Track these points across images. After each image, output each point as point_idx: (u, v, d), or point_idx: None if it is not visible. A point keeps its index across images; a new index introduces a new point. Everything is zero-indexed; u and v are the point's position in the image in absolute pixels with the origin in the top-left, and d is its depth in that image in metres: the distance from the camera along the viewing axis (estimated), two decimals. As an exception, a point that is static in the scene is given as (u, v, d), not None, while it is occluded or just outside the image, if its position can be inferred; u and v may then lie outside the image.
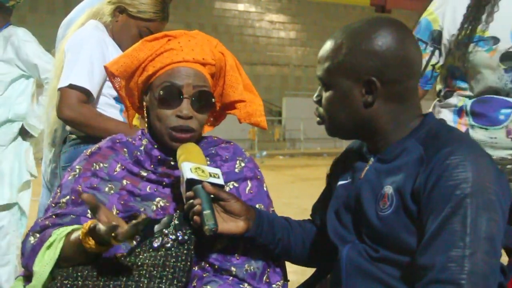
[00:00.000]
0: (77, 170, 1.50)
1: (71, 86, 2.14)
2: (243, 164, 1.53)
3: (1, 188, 3.23)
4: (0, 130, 3.23)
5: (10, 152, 3.25)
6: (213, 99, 1.47)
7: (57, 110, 2.20)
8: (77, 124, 2.21)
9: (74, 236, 1.34)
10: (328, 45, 1.30)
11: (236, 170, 1.51)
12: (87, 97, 2.17)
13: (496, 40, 1.76)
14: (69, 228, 1.38)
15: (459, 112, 1.80)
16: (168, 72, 1.44)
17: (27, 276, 1.43)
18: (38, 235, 1.42)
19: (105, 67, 1.54)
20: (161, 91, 1.42)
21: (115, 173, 1.48)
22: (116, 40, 2.30)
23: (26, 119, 3.24)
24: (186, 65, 1.44)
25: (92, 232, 1.28)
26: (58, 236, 1.37)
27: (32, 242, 1.41)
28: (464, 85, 1.83)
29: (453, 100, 1.83)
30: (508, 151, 1.72)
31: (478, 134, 1.77)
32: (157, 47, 1.46)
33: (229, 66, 1.52)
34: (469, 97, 1.80)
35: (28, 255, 1.40)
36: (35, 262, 1.37)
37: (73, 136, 2.29)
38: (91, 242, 1.29)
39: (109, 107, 2.26)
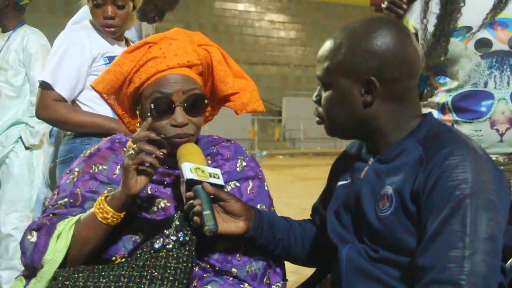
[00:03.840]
0: (76, 173, 1.50)
1: (44, 85, 2.19)
2: (244, 163, 1.52)
3: (8, 195, 3.27)
4: (9, 130, 3.29)
5: (19, 160, 3.30)
6: (205, 101, 1.45)
7: (35, 110, 2.26)
8: (55, 123, 2.26)
9: (85, 215, 1.38)
10: (327, 45, 1.30)
11: (238, 169, 1.50)
12: (63, 95, 2.20)
13: (469, 28, 1.76)
14: (75, 218, 1.40)
15: (442, 109, 1.79)
16: (155, 82, 1.41)
17: (28, 276, 1.43)
18: (35, 233, 1.41)
19: (92, 86, 1.53)
20: (152, 104, 1.39)
21: (115, 176, 1.47)
22: (99, 30, 2.31)
23: (24, 126, 3.30)
24: (172, 71, 1.41)
25: (108, 198, 1.36)
26: (66, 225, 1.38)
27: (31, 240, 1.41)
28: (443, 80, 1.83)
29: (435, 98, 1.83)
30: (497, 149, 1.71)
31: (463, 129, 1.75)
32: (139, 57, 1.43)
33: (216, 61, 1.48)
34: (450, 91, 1.80)
35: (32, 251, 1.39)
36: (48, 251, 1.36)
37: (69, 132, 2.30)
38: (106, 208, 1.34)
39: (98, 101, 2.26)
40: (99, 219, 1.35)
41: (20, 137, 3.31)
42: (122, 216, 1.37)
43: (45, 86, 2.20)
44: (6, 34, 3.34)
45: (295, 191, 8.30)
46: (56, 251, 1.36)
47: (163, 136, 1.41)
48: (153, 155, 1.33)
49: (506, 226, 1.16)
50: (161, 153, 1.34)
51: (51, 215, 1.44)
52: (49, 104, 2.19)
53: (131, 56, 1.44)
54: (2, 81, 3.30)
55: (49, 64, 2.23)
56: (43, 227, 1.41)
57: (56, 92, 2.19)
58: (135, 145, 1.33)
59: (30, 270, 1.41)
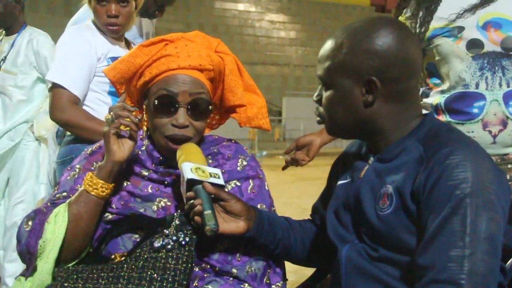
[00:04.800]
0: (77, 170, 1.50)
1: (57, 86, 2.17)
2: (245, 163, 1.52)
3: (16, 185, 3.28)
4: (18, 126, 3.31)
5: (29, 151, 3.30)
6: (210, 107, 1.45)
7: (49, 112, 2.22)
8: (69, 126, 2.22)
9: (76, 193, 1.41)
10: (328, 45, 1.30)
11: (238, 168, 1.51)
12: (78, 98, 2.18)
13: (460, 28, 1.73)
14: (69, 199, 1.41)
15: (436, 110, 1.77)
16: (164, 80, 1.42)
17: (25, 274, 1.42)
18: (30, 222, 1.42)
19: (104, 73, 1.54)
20: (156, 100, 1.41)
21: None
22: (101, 31, 2.30)
23: (36, 123, 3.30)
24: (182, 72, 1.42)
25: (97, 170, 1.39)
26: (61, 208, 1.40)
27: (27, 229, 1.41)
28: (437, 80, 1.81)
29: (429, 99, 1.81)
30: (489, 150, 1.70)
31: None
32: (154, 52, 1.44)
33: (228, 70, 1.49)
34: (443, 92, 1.77)
35: (27, 236, 1.39)
36: (48, 232, 1.36)
37: (69, 133, 2.30)
38: (96, 180, 1.37)
39: (100, 102, 2.25)
40: (88, 191, 1.37)
41: (31, 127, 3.31)
42: (111, 187, 1.39)
43: (58, 87, 2.17)
44: (11, 37, 3.34)
45: (295, 191, 8.29)
46: (57, 227, 1.37)
47: (161, 133, 1.42)
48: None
49: (506, 226, 1.16)
50: (137, 118, 1.38)
51: (49, 203, 1.45)
52: (66, 107, 2.16)
53: (146, 50, 1.45)
54: (11, 85, 3.31)
55: (59, 64, 2.21)
56: (39, 214, 1.42)
57: (70, 93, 2.17)
58: (111, 113, 1.38)
59: (26, 257, 1.41)
